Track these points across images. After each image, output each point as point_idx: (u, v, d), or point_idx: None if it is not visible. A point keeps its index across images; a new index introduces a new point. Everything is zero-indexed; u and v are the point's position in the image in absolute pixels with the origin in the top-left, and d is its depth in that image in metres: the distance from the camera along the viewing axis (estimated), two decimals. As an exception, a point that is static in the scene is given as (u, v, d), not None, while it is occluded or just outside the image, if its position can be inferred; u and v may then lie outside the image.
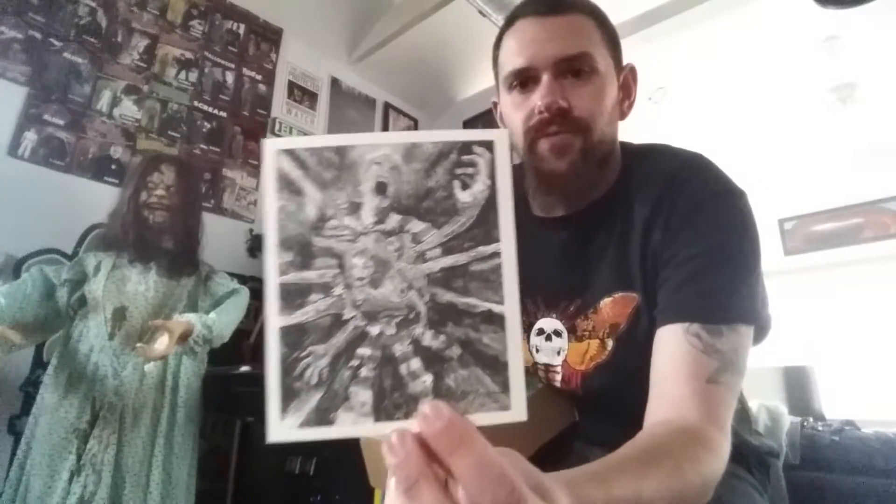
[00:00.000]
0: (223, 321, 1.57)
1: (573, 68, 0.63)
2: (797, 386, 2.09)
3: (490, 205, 0.27)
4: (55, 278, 1.50)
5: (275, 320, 0.26)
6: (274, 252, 0.27)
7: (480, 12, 2.46)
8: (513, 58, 0.65)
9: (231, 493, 1.95)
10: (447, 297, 0.27)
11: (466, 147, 0.28)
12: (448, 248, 0.27)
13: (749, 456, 0.70)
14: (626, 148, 0.72)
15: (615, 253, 0.66)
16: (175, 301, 1.58)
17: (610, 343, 0.66)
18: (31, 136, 1.80)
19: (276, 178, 0.27)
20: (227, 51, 2.44)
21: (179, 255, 1.61)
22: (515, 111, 0.66)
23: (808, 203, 3.76)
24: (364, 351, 0.26)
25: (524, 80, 0.65)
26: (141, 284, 1.55)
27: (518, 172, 0.78)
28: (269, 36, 2.62)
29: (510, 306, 0.26)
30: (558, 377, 0.72)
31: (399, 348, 0.26)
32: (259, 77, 2.54)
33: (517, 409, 0.26)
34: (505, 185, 0.27)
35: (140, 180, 1.60)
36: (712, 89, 2.73)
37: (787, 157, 3.23)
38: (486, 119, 3.07)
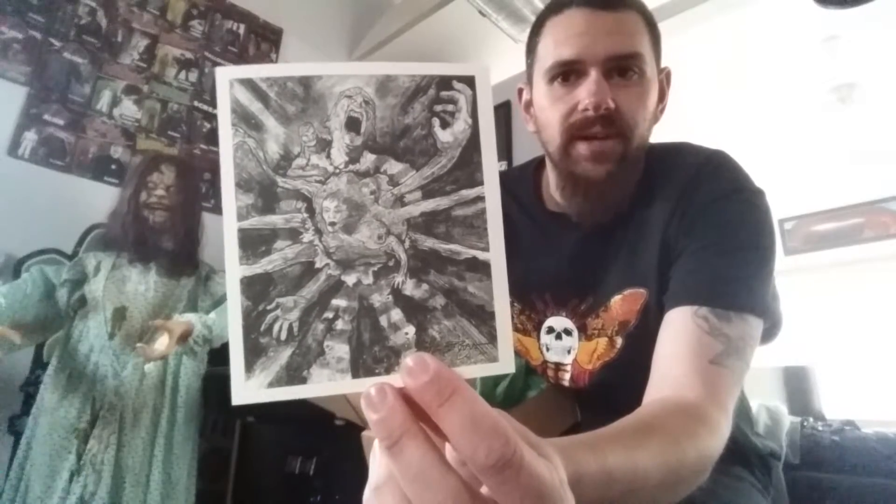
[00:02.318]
0: (223, 321, 1.57)
1: (621, 68, 0.60)
2: (797, 386, 2.09)
3: (472, 145, 0.25)
4: (55, 278, 1.50)
5: (235, 270, 0.24)
6: (231, 194, 0.24)
7: (480, 12, 2.46)
8: (558, 48, 0.61)
9: (231, 493, 1.95)
10: (429, 243, 0.25)
11: (445, 82, 0.25)
12: (428, 191, 0.25)
13: (751, 457, 0.70)
14: (648, 148, 0.70)
15: (628, 250, 0.65)
16: (175, 301, 1.58)
17: (619, 341, 0.66)
18: (31, 136, 1.80)
19: (231, 112, 0.25)
20: (227, 51, 2.44)
21: (179, 255, 1.61)
22: (554, 104, 0.63)
23: (808, 203, 3.77)
24: (339, 302, 0.24)
25: (567, 72, 0.61)
26: (141, 284, 1.55)
27: (529, 166, 0.78)
28: (269, 36, 2.62)
29: (496, 253, 0.25)
30: (567, 376, 0.72)
31: (378, 298, 0.24)
32: (259, 77, 2.54)
33: (505, 361, 0.25)
34: (488, 125, 0.26)
35: (140, 180, 1.60)
36: (712, 89, 2.73)
37: (787, 157, 3.23)
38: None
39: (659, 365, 0.54)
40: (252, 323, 0.24)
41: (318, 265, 0.24)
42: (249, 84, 0.25)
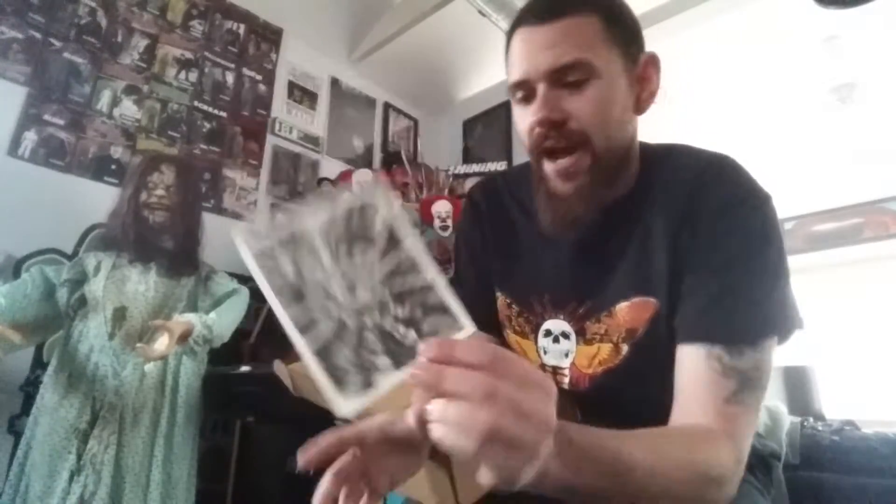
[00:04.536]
0: (223, 321, 1.57)
1: (567, 78, 0.60)
2: (797, 386, 2.09)
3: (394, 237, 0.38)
4: (55, 278, 1.50)
5: (307, 354, 0.34)
6: (283, 309, 0.35)
7: (480, 12, 2.46)
8: (512, 70, 0.64)
9: (231, 493, 1.95)
10: (400, 288, 0.37)
11: (365, 209, 0.37)
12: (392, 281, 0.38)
13: (751, 457, 0.70)
14: (644, 148, 0.70)
15: (635, 256, 0.65)
16: (175, 301, 1.58)
17: (625, 348, 0.65)
18: (31, 136, 1.80)
19: (254, 259, 0.35)
20: (227, 51, 2.44)
21: (179, 255, 1.61)
22: (520, 124, 0.66)
23: (808, 203, 3.76)
24: (369, 335, 0.35)
25: (525, 92, 0.63)
26: (141, 284, 1.55)
27: (530, 167, 0.78)
28: (269, 36, 2.62)
29: (432, 277, 0.37)
30: (566, 380, 0.71)
31: (388, 324, 0.35)
32: (259, 77, 2.53)
33: (468, 325, 0.37)
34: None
35: (140, 180, 1.60)
36: (712, 89, 2.73)
37: (787, 158, 3.22)
38: (485, 119, 3.07)
39: (678, 398, 0.57)
40: (330, 371, 0.34)
41: (347, 321, 0.36)
42: (257, 235, 0.36)
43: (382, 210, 0.37)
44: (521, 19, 0.64)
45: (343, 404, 0.33)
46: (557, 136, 0.61)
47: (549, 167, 0.63)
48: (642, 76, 0.65)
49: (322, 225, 0.36)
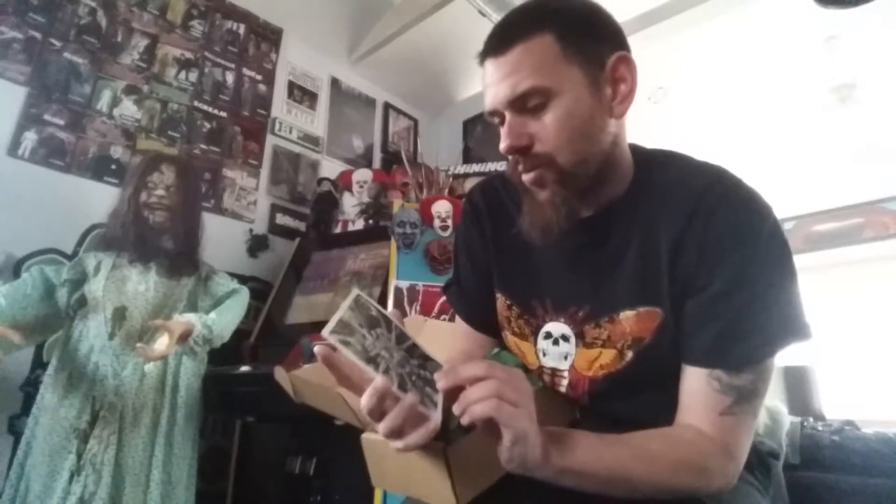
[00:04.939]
0: (223, 321, 1.58)
1: (527, 104, 0.62)
2: (797, 386, 2.08)
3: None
4: (55, 278, 1.50)
5: (394, 388, 0.52)
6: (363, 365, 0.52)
7: (480, 12, 2.46)
8: (485, 99, 0.66)
9: (231, 493, 1.95)
10: (405, 344, 0.55)
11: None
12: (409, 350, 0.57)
13: (751, 457, 0.70)
14: (639, 151, 0.70)
15: (638, 265, 0.65)
16: (175, 301, 1.59)
17: (629, 354, 0.65)
18: (31, 136, 1.80)
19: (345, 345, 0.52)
20: (227, 51, 2.44)
21: (179, 255, 1.61)
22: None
23: (808, 203, 3.75)
24: (415, 379, 0.53)
25: (499, 119, 0.65)
26: (141, 284, 1.55)
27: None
28: (269, 36, 2.62)
29: (412, 339, 0.55)
30: (565, 382, 0.71)
31: (416, 370, 0.54)
32: (259, 77, 2.53)
33: (443, 362, 0.56)
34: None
35: (140, 180, 1.60)
36: (712, 89, 2.73)
37: (787, 157, 3.22)
38: (485, 119, 3.07)
39: (678, 412, 0.62)
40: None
41: (403, 375, 0.53)
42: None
43: (371, 304, 0.56)
44: (484, 51, 0.65)
45: (433, 418, 0.52)
46: (525, 159, 0.64)
47: (525, 178, 0.66)
48: (614, 78, 0.63)
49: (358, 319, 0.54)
